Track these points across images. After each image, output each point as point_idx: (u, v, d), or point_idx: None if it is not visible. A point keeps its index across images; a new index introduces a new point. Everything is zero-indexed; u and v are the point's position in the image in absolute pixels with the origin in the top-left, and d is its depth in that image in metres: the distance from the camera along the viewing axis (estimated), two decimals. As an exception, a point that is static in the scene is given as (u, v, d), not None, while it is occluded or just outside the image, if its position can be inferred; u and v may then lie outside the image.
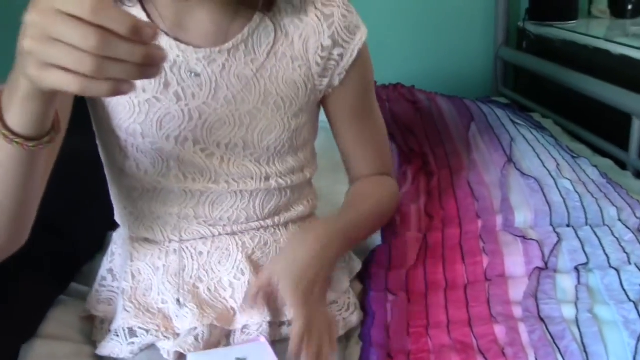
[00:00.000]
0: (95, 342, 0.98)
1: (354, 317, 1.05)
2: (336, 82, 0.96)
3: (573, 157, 1.44)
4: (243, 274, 0.93)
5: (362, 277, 1.09)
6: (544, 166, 1.36)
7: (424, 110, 1.76)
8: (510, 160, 1.39)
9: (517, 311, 0.98)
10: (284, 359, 0.90)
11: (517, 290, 1.01)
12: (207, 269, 0.93)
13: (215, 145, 0.90)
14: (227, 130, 0.89)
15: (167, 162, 0.90)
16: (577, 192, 1.26)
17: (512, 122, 1.62)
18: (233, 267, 0.93)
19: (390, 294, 1.04)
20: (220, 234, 0.95)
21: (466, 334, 0.95)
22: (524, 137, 1.52)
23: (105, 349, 0.92)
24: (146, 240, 0.97)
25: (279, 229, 0.99)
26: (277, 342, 0.94)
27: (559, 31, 2.04)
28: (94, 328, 1.00)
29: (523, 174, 1.32)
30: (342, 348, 1.01)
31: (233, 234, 0.95)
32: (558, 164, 1.38)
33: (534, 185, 1.27)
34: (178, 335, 0.90)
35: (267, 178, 0.94)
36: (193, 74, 0.87)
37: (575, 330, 0.91)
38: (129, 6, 0.86)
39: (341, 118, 1.01)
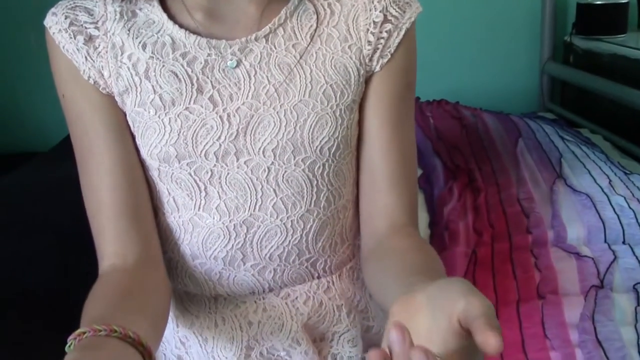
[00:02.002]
0: None
1: None
2: (378, 66, 0.82)
3: (625, 174, 1.40)
4: (299, 344, 0.86)
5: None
6: (596, 182, 1.32)
7: (469, 126, 1.73)
8: (560, 176, 1.36)
9: (574, 335, 0.94)
10: None
11: (573, 311, 0.98)
12: (259, 338, 0.86)
13: (261, 154, 0.79)
14: (272, 131, 0.78)
15: (206, 188, 0.80)
16: (631, 208, 1.22)
17: (560, 137, 1.58)
18: (287, 337, 0.86)
19: (439, 311, 1.02)
20: (269, 290, 0.85)
21: (520, 359, 0.92)
22: (573, 153, 1.49)
23: None
24: (188, 296, 0.88)
25: (332, 281, 0.88)
26: None
27: (607, 45, 1.99)
28: None
29: (574, 190, 1.28)
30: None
31: (284, 298, 0.86)
32: (610, 180, 1.34)
33: (586, 201, 1.24)
34: None
35: (318, 195, 0.82)
36: (228, 69, 0.78)
37: (636, 355, 0.87)
38: (146, 6, 0.79)
39: (373, 116, 0.84)
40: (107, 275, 0.77)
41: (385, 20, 0.80)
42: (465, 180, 1.49)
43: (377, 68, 0.81)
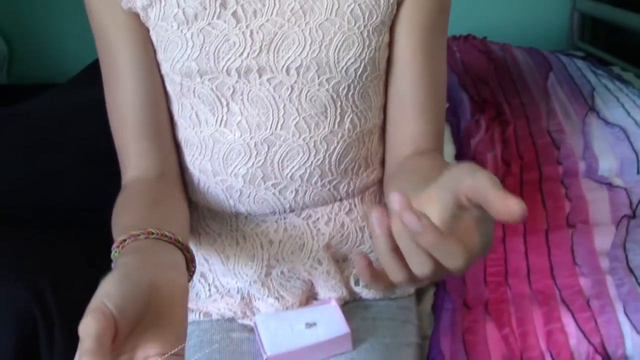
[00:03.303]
0: None
1: None
2: None
3: (659, 108, 1.35)
4: (320, 263, 0.86)
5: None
6: (630, 115, 1.29)
7: (497, 60, 1.68)
8: (592, 109, 1.32)
9: (604, 262, 0.93)
10: (354, 322, 0.87)
11: (604, 240, 0.96)
12: (279, 258, 0.86)
13: (284, 72, 0.76)
14: (296, 50, 0.76)
15: (228, 104, 0.79)
16: (666, 142, 1.18)
17: (592, 72, 1.54)
18: (309, 258, 0.86)
19: (466, 236, 1.00)
20: (290, 210, 0.84)
21: (548, 285, 0.91)
22: (606, 87, 1.44)
23: None
24: (211, 213, 0.88)
25: (354, 204, 0.87)
26: (350, 303, 0.91)
27: (642, -21, 1.91)
28: None
29: (607, 122, 1.25)
30: (414, 301, 0.98)
31: (306, 218, 0.85)
32: (644, 114, 1.30)
33: (619, 133, 1.20)
34: (254, 313, 0.88)
35: (342, 116, 0.80)
36: None
37: (668, 282, 0.86)
38: None
39: (406, 43, 0.80)
40: (131, 185, 0.78)
41: None
42: (493, 113, 1.45)
43: None
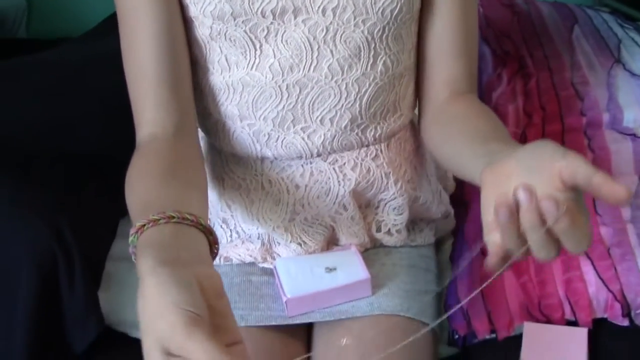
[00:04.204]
0: None
1: (449, 225, 1.02)
2: None
3: (687, 61, 1.32)
4: (346, 209, 0.86)
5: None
6: (657, 67, 1.26)
7: (521, 13, 1.64)
8: (618, 61, 1.29)
9: (625, 212, 0.92)
10: (374, 267, 0.88)
11: (625, 189, 0.95)
12: (304, 203, 0.86)
13: (321, 12, 0.75)
14: None
15: (261, 46, 0.77)
16: (693, 94, 1.16)
17: (619, 25, 1.50)
18: (334, 203, 0.86)
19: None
20: (317, 155, 0.83)
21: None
22: (633, 39, 1.40)
23: None
24: (235, 158, 0.87)
25: (380, 149, 0.86)
26: (370, 250, 0.92)
27: None
28: None
29: (633, 74, 1.22)
30: (433, 250, 0.99)
31: (332, 163, 0.84)
32: (672, 66, 1.27)
33: (645, 85, 1.18)
34: (273, 257, 0.89)
35: (375, 59, 0.79)
36: None
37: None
38: None
39: None
40: (148, 146, 0.75)
41: None
42: (516, 67, 1.43)
43: None
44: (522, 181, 0.52)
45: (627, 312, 0.81)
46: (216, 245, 0.63)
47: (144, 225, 0.58)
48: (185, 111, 0.79)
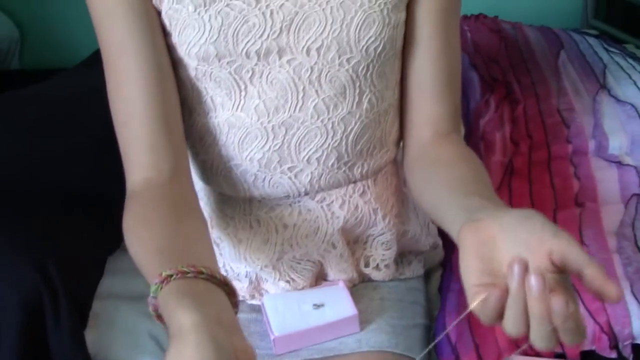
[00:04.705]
0: None
1: (438, 256, 1.02)
2: None
3: (673, 86, 1.33)
4: (334, 247, 0.86)
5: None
6: (642, 93, 1.27)
7: (508, 39, 1.66)
8: (603, 87, 1.30)
9: (612, 242, 0.92)
10: (362, 303, 0.88)
11: (612, 219, 0.95)
12: (293, 243, 0.85)
13: (305, 53, 0.75)
14: (317, 29, 0.74)
15: (246, 87, 0.77)
16: (678, 119, 1.17)
17: (605, 49, 1.52)
18: (323, 241, 0.85)
19: (474, 216, 1.00)
20: (304, 194, 0.83)
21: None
22: (618, 64, 1.42)
23: None
24: (223, 197, 0.87)
25: (368, 186, 0.86)
26: (358, 284, 0.92)
27: (659, -46, 1.87)
28: None
29: (618, 100, 1.23)
30: (423, 282, 0.99)
31: (320, 201, 0.84)
32: (657, 91, 1.28)
33: (630, 111, 1.19)
34: (261, 294, 0.89)
35: (361, 96, 0.79)
36: None
37: (677, 261, 0.85)
38: None
39: (424, 22, 0.80)
40: (145, 193, 0.73)
41: None
42: (503, 92, 1.44)
43: None
44: (515, 256, 0.50)
45: (614, 344, 0.81)
46: (236, 299, 0.61)
47: (171, 275, 0.56)
48: (179, 152, 0.77)
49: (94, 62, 1.59)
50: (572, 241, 0.50)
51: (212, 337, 0.49)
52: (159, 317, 0.58)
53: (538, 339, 0.51)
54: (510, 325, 0.52)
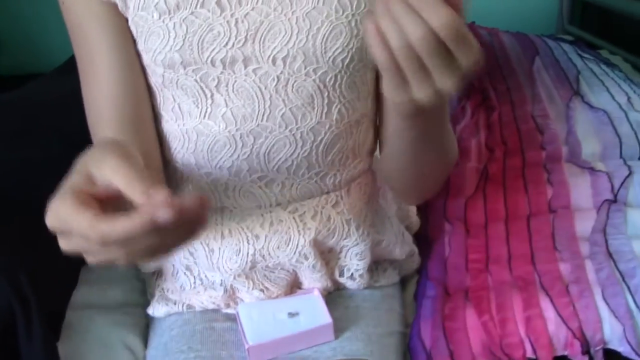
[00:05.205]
0: (147, 292, 0.98)
1: (414, 264, 1.02)
2: None
3: (645, 91, 1.35)
4: (306, 258, 0.86)
5: (419, 207, 1.06)
6: (614, 99, 1.29)
7: (485, 45, 1.68)
8: (577, 93, 1.32)
9: (584, 247, 0.93)
10: (337, 311, 0.88)
11: (584, 224, 0.96)
12: (264, 253, 0.85)
13: (271, 62, 0.75)
14: (282, 39, 0.74)
15: (213, 95, 0.77)
16: (649, 125, 1.19)
17: (579, 56, 1.54)
18: (295, 253, 0.85)
19: (447, 222, 1.01)
20: (276, 204, 0.84)
21: (528, 271, 0.91)
22: (592, 70, 1.44)
23: (158, 311, 0.91)
24: None
25: (341, 196, 0.87)
26: (334, 292, 0.92)
27: (632, -39, 1.90)
28: (147, 278, 1.00)
29: (591, 106, 1.25)
30: (399, 289, 0.99)
31: (292, 212, 0.85)
32: (629, 97, 1.30)
33: (603, 117, 1.20)
34: (236, 303, 0.89)
35: (330, 107, 0.79)
36: None
37: (647, 268, 0.86)
38: None
39: None
40: None
41: None
42: (479, 98, 1.45)
43: None
44: None
45: (586, 350, 0.82)
46: None
47: None
48: (149, 154, 0.79)
49: (70, 68, 1.58)
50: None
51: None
52: None
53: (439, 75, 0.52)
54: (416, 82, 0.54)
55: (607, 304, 0.83)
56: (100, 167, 0.53)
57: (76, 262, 1.01)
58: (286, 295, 0.89)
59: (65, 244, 0.55)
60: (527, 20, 2.21)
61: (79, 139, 1.15)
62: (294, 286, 0.91)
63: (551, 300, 0.85)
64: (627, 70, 1.64)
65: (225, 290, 0.88)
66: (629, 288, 0.85)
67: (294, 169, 0.81)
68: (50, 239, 0.99)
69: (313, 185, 0.83)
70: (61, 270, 0.96)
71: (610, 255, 0.89)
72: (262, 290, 0.87)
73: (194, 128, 0.79)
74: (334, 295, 0.91)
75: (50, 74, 1.70)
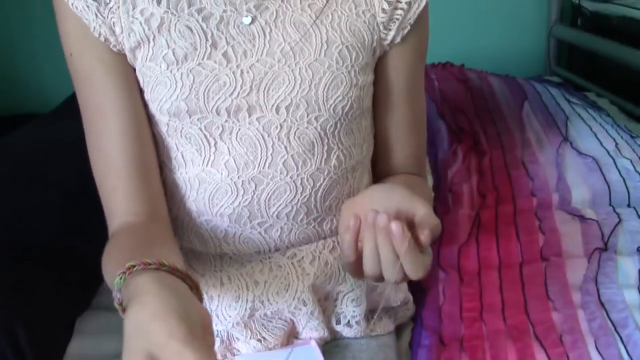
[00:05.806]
0: None
1: (408, 311, 1.03)
2: (398, 37, 0.82)
3: (632, 137, 1.38)
4: (305, 304, 0.86)
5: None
6: (602, 145, 1.31)
7: (474, 89, 1.71)
8: (565, 139, 1.35)
9: (576, 296, 0.94)
10: None
11: (576, 273, 0.98)
12: (264, 300, 0.86)
13: (274, 111, 0.77)
14: (286, 89, 0.77)
15: (216, 143, 0.79)
16: (637, 171, 1.21)
17: (567, 100, 1.57)
18: (294, 298, 0.86)
19: (441, 270, 1.01)
20: (275, 249, 0.85)
21: (522, 320, 0.92)
22: (579, 115, 1.47)
23: None
24: (194, 254, 0.88)
25: (338, 242, 0.88)
26: (330, 342, 0.92)
27: (617, 7, 1.95)
28: None
29: (580, 153, 1.27)
30: (394, 338, 0.99)
31: (291, 257, 0.86)
32: (617, 143, 1.32)
33: (591, 164, 1.22)
34: (233, 354, 0.89)
35: (329, 153, 0.81)
36: (243, 25, 0.76)
37: (638, 317, 0.87)
38: None
39: (391, 88, 0.86)
40: (122, 230, 0.77)
41: None
42: (470, 143, 1.48)
43: (398, 39, 0.82)
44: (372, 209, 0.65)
45: (580, 399, 0.82)
46: (200, 298, 0.65)
47: (135, 266, 0.59)
48: (156, 202, 0.81)
49: (65, 112, 1.59)
50: (415, 198, 0.65)
51: (171, 289, 0.55)
52: (125, 310, 0.59)
53: (388, 270, 0.65)
54: (369, 263, 0.66)
55: (601, 354, 0.84)
56: (164, 352, 0.50)
57: (72, 313, 1.01)
58: (283, 346, 0.89)
59: None
60: (515, 61, 2.26)
61: (71, 186, 1.16)
62: (291, 336, 0.91)
63: (545, 351, 0.85)
64: (613, 114, 1.68)
65: (222, 341, 0.88)
66: (621, 339, 0.85)
67: (294, 214, 0.82)
68: (46, 288, 1.00)
69: (311, 230, 0.85)
70: (57, 320, 0.96)
71: (602, 304, 0.90)
72: (259, 340, 0.87)
73: (196, 176, 0.81)
74: (331, 346, 0.92)
75: (43, 118, 1.70)
